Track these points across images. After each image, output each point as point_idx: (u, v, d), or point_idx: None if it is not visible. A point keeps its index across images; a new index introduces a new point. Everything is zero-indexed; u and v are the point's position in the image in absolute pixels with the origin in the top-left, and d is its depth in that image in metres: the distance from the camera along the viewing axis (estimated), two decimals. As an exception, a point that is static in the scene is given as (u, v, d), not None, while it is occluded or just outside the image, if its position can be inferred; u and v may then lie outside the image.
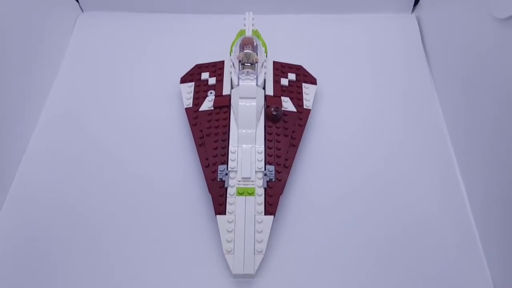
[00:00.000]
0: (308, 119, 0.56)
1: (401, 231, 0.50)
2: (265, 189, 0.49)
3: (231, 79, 0.58)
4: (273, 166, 0.51)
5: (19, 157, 0.56)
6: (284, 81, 0.59)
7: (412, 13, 0.73)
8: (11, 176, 0.54)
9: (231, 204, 0.48)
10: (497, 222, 0.47)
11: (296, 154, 0.53)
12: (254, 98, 0.54)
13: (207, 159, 0.52)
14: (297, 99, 0.58)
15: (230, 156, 0.51)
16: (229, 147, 0.52)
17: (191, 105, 0.57)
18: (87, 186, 0.53)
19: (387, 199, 0.52)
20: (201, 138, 0.54)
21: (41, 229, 0.50)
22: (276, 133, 0.54)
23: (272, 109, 0.54)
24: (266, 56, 0.60)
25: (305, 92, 0.59)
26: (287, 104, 0.57)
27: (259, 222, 0.47)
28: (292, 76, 0.60)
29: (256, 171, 0.50)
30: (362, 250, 0.49)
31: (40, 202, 0.52)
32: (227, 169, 0.50)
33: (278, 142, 0.53)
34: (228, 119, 0.54)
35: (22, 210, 0.52)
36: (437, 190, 0.53)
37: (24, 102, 0.58)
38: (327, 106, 0.61)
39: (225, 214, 0.48)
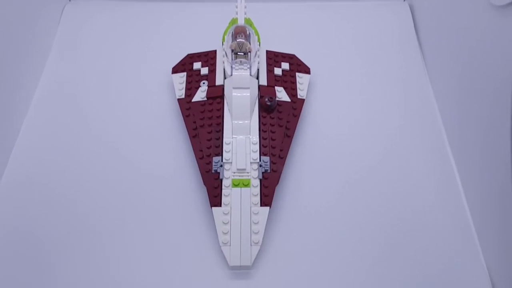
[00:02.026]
0: (302, 109, 0.55)
1: (397, 220, 0.50)
2: (260, 180, 0.49)
3: (224, 69, 0.57)
4: (268, 157, 0.50)
5: (10, 148, 0.55)
6: (277, 71, 0.59)
7: (404, 0, 0.73)
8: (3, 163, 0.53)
9: (226, 196, 0.48)
10: (494, 216, 0.47)
11: (291, 145, 0.52)
12: (248, 88, 0.54)
13: (201, 150, 0.51)
14: (291, 89, 0.57)
15: (225, 147, 0.51)
16: (223, 139, 0.51)
17: (183, 96, 0.56)
18: (77, 180, 0.52)
19: (383, 190, 0.52)
20: (194, 129, 0.53)
21: (32, 216, 0.50)
22: (271, 124, 0.53)
23: (266, 99, 0.54)
24: (259, 45, 0.60)
25: (299, 82, 0.58)
26: (281, 94, 0.56)
27: (255, 214, 0.47)
28: (285, 66, 0.59)
29: (251, 162, 0.50)
30: (359, 240, 0.49)
31: (32, 191, 0.52)
32: (222, 161, 0.50)
33: (273, 132, 0.52)
34: (221, 109, 0.54)
35: (15, 194, 0.51)
36: (431, 178, 0.53)
37: (9, 99, 0.56)
38: (320, 96, 0.61)
39: (220, 206, 0.47)
